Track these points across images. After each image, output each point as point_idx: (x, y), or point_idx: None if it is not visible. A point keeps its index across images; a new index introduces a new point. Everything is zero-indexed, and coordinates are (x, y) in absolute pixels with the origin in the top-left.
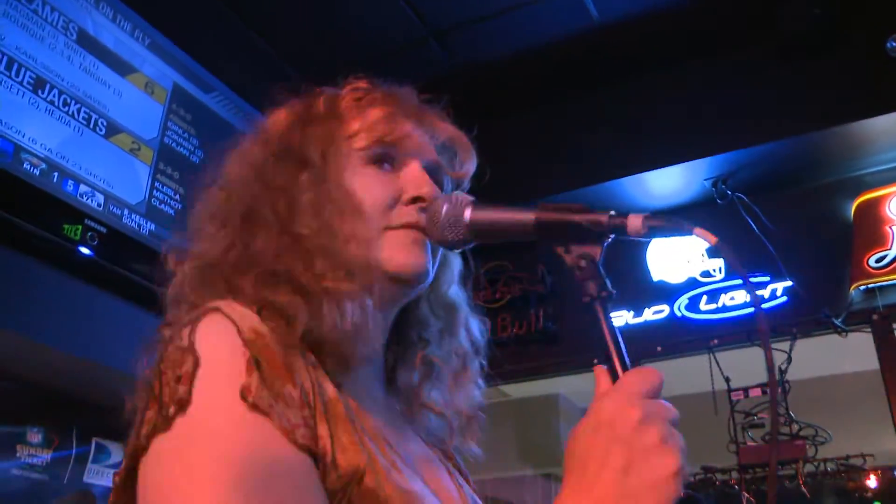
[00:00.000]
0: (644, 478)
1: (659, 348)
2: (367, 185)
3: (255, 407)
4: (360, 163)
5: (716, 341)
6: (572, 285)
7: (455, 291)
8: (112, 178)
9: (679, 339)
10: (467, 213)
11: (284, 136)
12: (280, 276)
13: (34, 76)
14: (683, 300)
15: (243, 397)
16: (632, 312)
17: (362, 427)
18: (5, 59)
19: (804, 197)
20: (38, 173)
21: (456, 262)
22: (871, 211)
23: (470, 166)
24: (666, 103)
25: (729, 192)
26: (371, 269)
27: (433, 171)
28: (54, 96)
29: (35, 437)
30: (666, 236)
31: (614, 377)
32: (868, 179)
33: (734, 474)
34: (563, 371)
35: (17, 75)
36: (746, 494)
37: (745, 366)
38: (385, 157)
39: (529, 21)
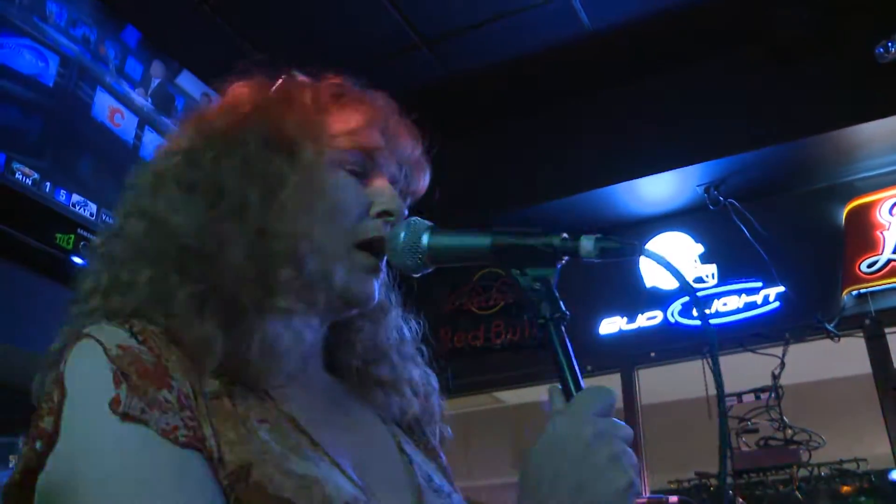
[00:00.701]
0: (596, 495)
1: (653, 354)
2: (341, 192)
3: (126, 416)
4: (336, 165)
5: (708, 347)
6: (565, 292)
7: (384, 293)
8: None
9: (672, 345)
10: (424, 239)
11: (265, 117)
12: (218, 293)
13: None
14: (676, 306)
15: (112, 410)
16: (625, 319)
17: (258, 418)
18: None
19: (796, 202)
20: (30, 183)
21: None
22: (863, 216)
23: (423, 185)
24: (658, 110)
25: (721, 198)
26: (326, 285)
27: (394, 185)
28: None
29: None
30: (617, 258)
31: (568, 397)
32: (859, 185)
33: (728, 480)
34: (556, 377)
35: None
36: (741, 500)
37: (738, 371)
38: (358, 165)
39: (521, 29)
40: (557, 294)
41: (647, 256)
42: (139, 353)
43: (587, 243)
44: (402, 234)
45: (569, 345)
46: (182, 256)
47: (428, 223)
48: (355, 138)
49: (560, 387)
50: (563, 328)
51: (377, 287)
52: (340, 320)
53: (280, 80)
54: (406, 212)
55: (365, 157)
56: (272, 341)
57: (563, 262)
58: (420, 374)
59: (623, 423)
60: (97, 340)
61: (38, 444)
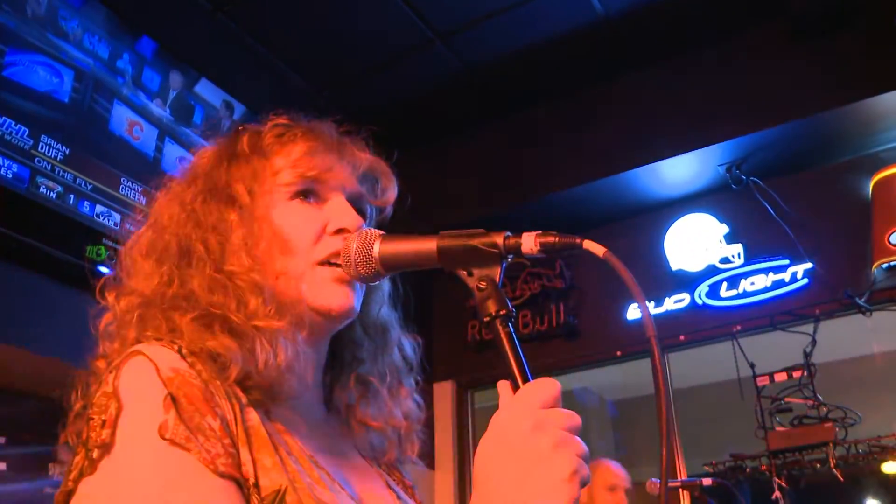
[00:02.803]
0: (539, 484)
1: (682, 337)
2: (293, 220)
3: (172, 442)
4: (285, 198)
5: (738, 327)
6: (592, 279)
7: (386, 312)
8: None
9: (701, 327)
10: (375, 248)
11: (211, 175)
12: (216, 318)
13: None
14: (704, 288)
15: (161, 435)
16: (652, 303)
17: (288, 450)
18: None
19: (820, 177)
20: (54, 196)
21: (385, 284)
22: (889, 187)
23: (391, 193)
24: (676, 91)
25: (744, 177)
26: (300, 305)
27: (356, 202)
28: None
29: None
30: (559, 252)
31: (516, 391)
32: (884, 156)
33: (764, 460)
34: (586, 365)
35: None
36: (777, 480)
37: (769, 350)
38: (309, 191)
39: (534, 17)
40: (502, 291)
41: (586, 249)
42: (188, 378)
43: (528, 240)
44: (354, 245)
45: (516, 340)
46: (161, 303)
47: (379, 232)
48: (298, 168)
49: (509, 382)
50: (509, 325)
51: (353, 296)
52: (345, 344)
53: (230, 136)
54: (366, 224)
55: (312, 183)
56: (273, 356)
57: (508, 260)
58: (406, 409)
59: (569, 411)
60: (149, 359)
61: (95, 453)
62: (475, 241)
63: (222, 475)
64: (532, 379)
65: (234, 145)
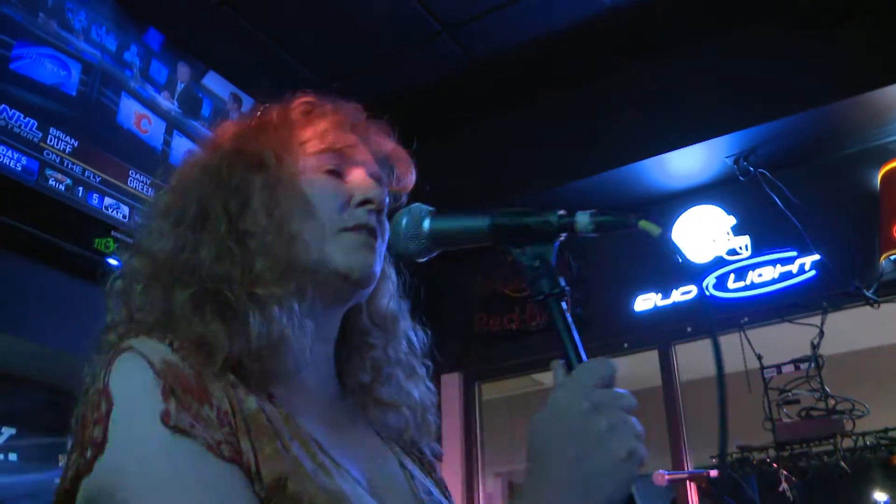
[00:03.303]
0: (598, 464)
1: (689, 329)
2: (318, 189)
3: (176, 429)
4: (311, 168)
5: (746, 319)
6: (599, 271)
7: (395, 303)
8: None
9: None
10: (426, 223)
11: (238, 141)
12: (210, 294)
13: None
14: (711, 279)
15: (163, 423)
16: (660, 294)
17: (290, 436)
18: None
19: (828, 169)
20: (63, 189)
21: (393, 274)
22: None
23: (409, 181)
24: (683, 82)
25: (751, 169)
26: (318, 269)
27: (376, 181)
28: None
29: None
30: (613, 230)
31: (571, 370)
32: (893, 147)
33: (771, 452)
34: (595, 355)
35: None
36: (784, 472)
37: (776, 342)
38: (334, 164)
39: (540, 9)
40: (556, 270)
41: (641, 228)
42: (181, 369)
43: (583, 218)
44: (404, 221)
45: (570, 319)
46: (169, 272)
47: (428, 208)
48: (325, 140)
49: (562, 361)
50: (563, 303)
51: (377, 263)
52: (354, 332)
53: (255, 112)
54: (387, 201)
55: (338, 156)
56: (266, 327)
57: (561, 238)
58: (420, 392)
59: (625, 392)
60: (141, 353)
61: (88, 452)
62: (528, 219)
63: (227, 460)
64: (586, 359)
65: (261, 118)
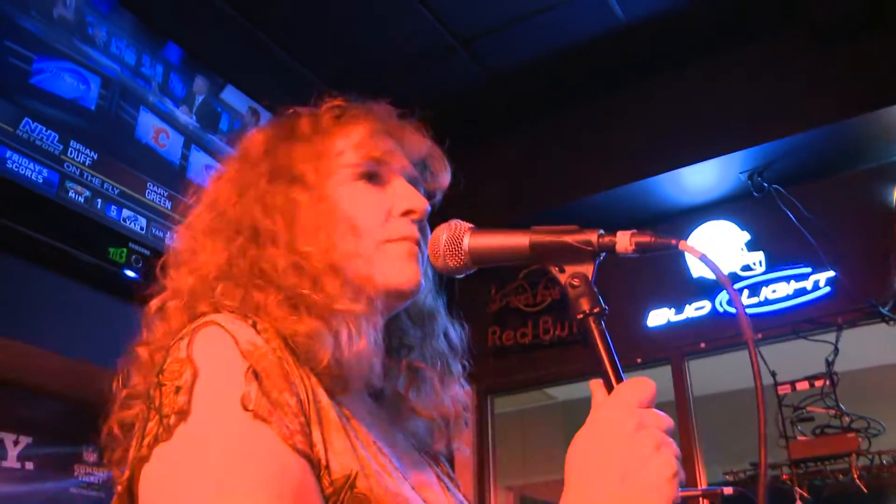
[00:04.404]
0: (641, 484)
1: (702, 345)
2: (359, 201)
3: (255, 414)
4: (349, 179)
5: (759, 335)
6: (612, 285)
7: (433, 299)
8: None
9: (722, 334)
10: (466, 240)
11: (271, 156)
12: (299, 299)
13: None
14: (724, 295)
15: (244, 406)
16: (673, 310)
17: (355, 434)
18: None
19: (843, 185)
20: (82, 201)
21: (429, 270)
22: None
23: (444, 178)
24: (698, 98)
25: (766, 185)
26: (369, 286)
27: (414, 185)
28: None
29: (91, 455)
30: (654, 252)
31: (610, 389)
32: None
33: (785, 469)
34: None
35: None
36: (799, 490)
37: (790, 359)
38: (372, 173)
39: (555, 24)
40: (596, 289)
41: (682, 250)
42: (266, 353)
43: (623, 238)
44: (444, 237)
45: (609, 339)
46: (235, 283)
47: (469, 225)
48: (361, 149)
49: (601, 380)
50: (602, 323)
51: (421, 270)
52: (392, 332)
53: (283, 118)
54: (429, 208)
55: (376, 164)
56: (356, 339)
57: (601, 258)
58: (454, 394)
59: (664, 413)
60: (226, 329)
61: (171, 419)
62: (569, 238)
63: (299, 452)
64: (624, 378)
65: (291, 127)
